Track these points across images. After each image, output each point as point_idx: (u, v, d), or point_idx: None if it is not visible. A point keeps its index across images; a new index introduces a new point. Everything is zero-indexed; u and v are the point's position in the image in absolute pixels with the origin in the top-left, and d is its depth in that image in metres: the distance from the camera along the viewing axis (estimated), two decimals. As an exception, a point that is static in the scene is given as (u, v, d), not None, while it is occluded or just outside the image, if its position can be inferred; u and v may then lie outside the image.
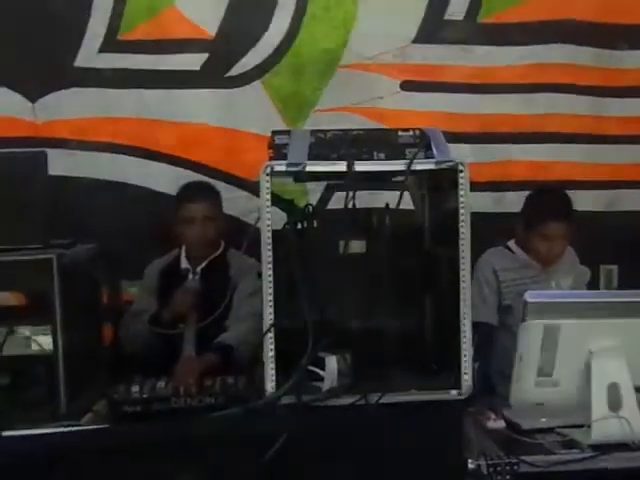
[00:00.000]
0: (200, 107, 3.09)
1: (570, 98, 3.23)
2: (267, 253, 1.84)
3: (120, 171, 3.12)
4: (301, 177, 2.02)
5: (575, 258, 2.84)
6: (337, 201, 2.19)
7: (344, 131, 1.97)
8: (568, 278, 2.77)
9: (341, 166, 1.88)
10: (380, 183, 2.17)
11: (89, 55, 3.06)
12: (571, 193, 2.81)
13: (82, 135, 3.07)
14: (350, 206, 1.92)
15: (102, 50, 3.07)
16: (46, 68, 3.04)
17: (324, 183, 2.21)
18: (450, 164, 1.87)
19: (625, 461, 1.91)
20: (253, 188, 2.93)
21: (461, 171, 1.86)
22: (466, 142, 3.14)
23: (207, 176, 3.07)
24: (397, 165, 1.90)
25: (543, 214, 2.69)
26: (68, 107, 3.05)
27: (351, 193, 1.88)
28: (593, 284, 3.02)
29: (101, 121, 3.08)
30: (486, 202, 3.14)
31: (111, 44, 3.07)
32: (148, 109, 3.09)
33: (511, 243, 2.83)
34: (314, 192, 2.81)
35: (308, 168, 1.86)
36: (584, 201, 3.03)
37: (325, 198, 2.98)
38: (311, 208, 2.15)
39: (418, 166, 1.88)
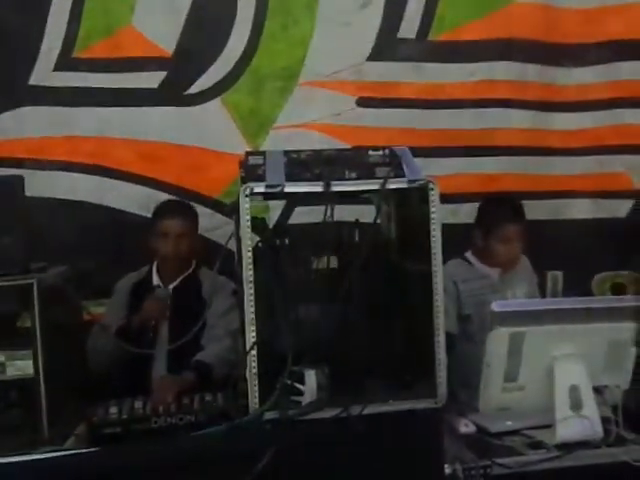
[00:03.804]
0: (160, 125, 3.11)
1: (517, 113, 3.38)
2: (248, 273, 1.88)
3: (78, 190, 3.10)
4: (277, 197, 2.06)
5: (529, 266, 2.99)
6: (302, 216, 2.25)
7: (317, 151, 2.03)
8: (523, 286, 2.91)
9: (318, 186, 1.93)
10: (348, 199, 2.24)
11: (44, 73, 3.04)
12: (518, 203, 2.95)
13: (39, 154, 3.04)
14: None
15: (57, 68, 3.05)
16: (0, 87, 3.00)
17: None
18: (421, 183, 1.95)
19: (589, 458, 2.04)
20: (224, 210, 3.00)
21: (432, 189, 1.95)
22: (420, 156, 3.25)
23: (168, 193, 3.08)
24: (371, 184, 1.96)
25: (500, 217, 2.83)
26: (24, 126, 3.02)
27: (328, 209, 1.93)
28: (540, 289, 3.17)
29: (58, 140, 3.06)
30: (442, 214, 3.25)
31: (66, 62, 3.05)
32: (106, 127, 3.08)
33: (468, 254, 2.94)
34: (275, 208, 2.88)
35: (286, 189, 1.91)
36: (530, 210, 3.14)
37: (286, 214, 3.03)
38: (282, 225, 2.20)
39: (391, 185, 1.95)
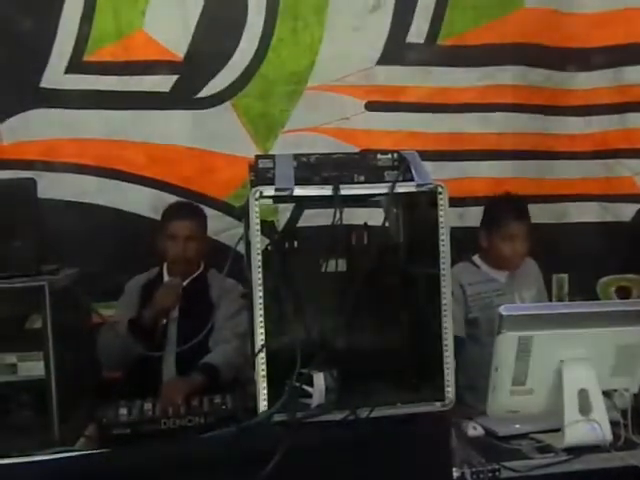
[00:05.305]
0: (170, 128, 3.12)
1: (524, 117, 3.39)
2: (257, 276, 1.89)
3: (88, 192, 3.12)
4: (287, 200, 2.07)
5: (537, 269, 2.99)
6: (311, 219, 2.25)
7: (326, 155, 2.04)
8: (531, 290, 2.91)
9: (327, 190, 1.94)
10: (356, 202, 2.25)
11: (55, 76, 3.06)
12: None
13: (49, 156, 3.06)
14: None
15: (68, 71, 3.07)
16: (12, 89, 3.03)
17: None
18: (430, 187, 1.96)
19: (598, 462, 2.03)
20: (233, 213, 3.02)
21: (440, 193, 1.96)
22: (427, 160, 3.25)
23: (177, 196, 3.10)
24: (380, 188, 1.97)
25: (503, 215, 2.84)
26: (34, 128, 3.04)
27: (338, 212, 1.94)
28: (546, 291, 3.14)
29: (68, 142, 3.08)
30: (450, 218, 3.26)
31: (77, 65, 3.07)
32: (117, 130, 3.09)
33: (475, 257, 2.95)
34: (284, 211, 2.89)
35: (296, 192, 1.92)
36: (536, 214, 3.14)
37: (295, 216, 3.04)
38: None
39: (400, 189, 1.96)
